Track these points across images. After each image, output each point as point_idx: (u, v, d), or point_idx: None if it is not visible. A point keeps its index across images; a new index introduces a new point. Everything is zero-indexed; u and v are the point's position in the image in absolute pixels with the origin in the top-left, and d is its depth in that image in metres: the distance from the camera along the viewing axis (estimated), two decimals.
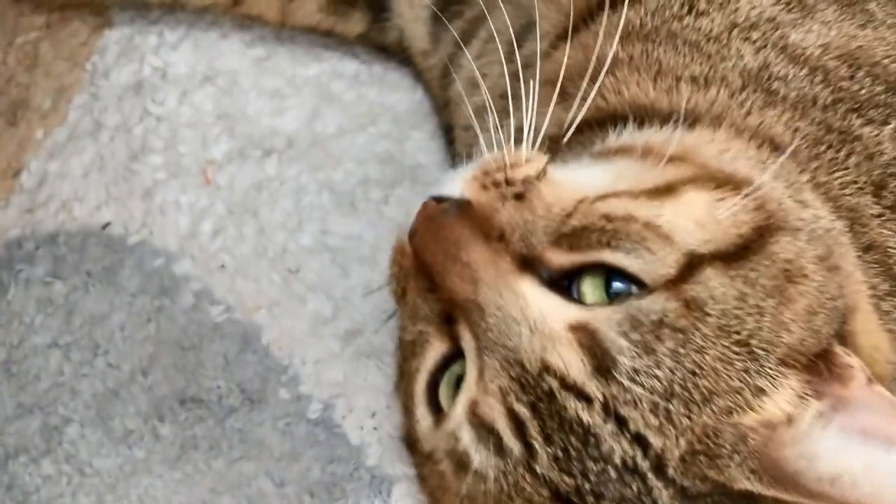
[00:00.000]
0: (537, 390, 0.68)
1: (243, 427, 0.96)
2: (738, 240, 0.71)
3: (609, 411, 0.67)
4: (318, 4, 1.07)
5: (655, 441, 0.66)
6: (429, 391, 0.73)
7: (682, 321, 0.67)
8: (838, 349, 0.69)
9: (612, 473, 0.67)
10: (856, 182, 0.79)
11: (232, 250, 1.03)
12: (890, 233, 0.79)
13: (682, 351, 0.67)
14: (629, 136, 0.83)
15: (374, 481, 0.95)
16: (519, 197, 0.72)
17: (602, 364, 0.67)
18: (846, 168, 0.79)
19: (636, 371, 0.66)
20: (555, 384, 0.67)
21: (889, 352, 0.75)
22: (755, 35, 0.83)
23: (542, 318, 0.68)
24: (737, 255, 0.70)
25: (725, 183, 0.74)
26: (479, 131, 0.94)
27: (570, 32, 0.86)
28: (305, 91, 1.09)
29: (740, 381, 0.68)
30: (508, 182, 0.73)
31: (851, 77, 0.81)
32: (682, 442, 0.66)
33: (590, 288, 0.69)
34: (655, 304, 0.67)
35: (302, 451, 0.96)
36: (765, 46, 0.82)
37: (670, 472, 0.67)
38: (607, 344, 0.67)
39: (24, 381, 0.98)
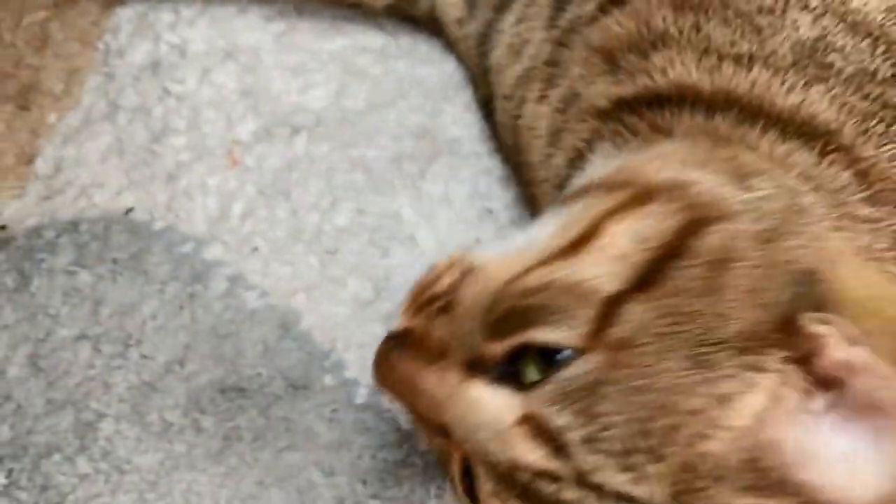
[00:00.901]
0: (518, 485, 0.68)
1: (288, 416, 0.91)
2: (659, 252, 0.69)
3: (582, 483, 0.66)
4: None
5: (638, 492, 0.64)
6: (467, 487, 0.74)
7: (614, 372, 0.65)
8: (803, 317, 0.65)
9: None
10: None
11: (264, 233, 0.99)
12: None
13: (626, 401, 0.65)
14: (590, 171, 0.82)
15: (427, 467, 0.91)
16: (444, 309, 0.74)
17: (556, 445, 0.66)
18: None
19: (589, 439, 0.65)
20: (527, 476, 0.67)
21: None
22: (814, 2, 0.78)
23: (496, 419, 0.68)
24: (659, 268, 0.68)
25: (658, 195, 0.72)
26: (528, 98, 0.91)
27: None
28: (331, 66, 1.05)
29: (700, 397, 0.64)
30: (434, 298, 0.75)
31: None
32: (665, 484, 0.64)
33: (529, 369, 0.68)
34: (585, 366, 0.66)
35: (351, 439, 0.91)
36: (824, 14, 0.78)
37: None
38: (551, 426, 0.66)
39: (54, 375, 0.92)
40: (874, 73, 0.75)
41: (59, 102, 1.02)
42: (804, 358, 0.64)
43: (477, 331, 0.71)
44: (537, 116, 0.90)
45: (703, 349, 0.65)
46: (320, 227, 1.00)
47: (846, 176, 0.73)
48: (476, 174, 1.02)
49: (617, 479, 0.65)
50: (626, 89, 0.80)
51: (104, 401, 0.92)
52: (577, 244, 0.71)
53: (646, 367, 0.65)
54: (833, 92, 0.75)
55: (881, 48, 0.76)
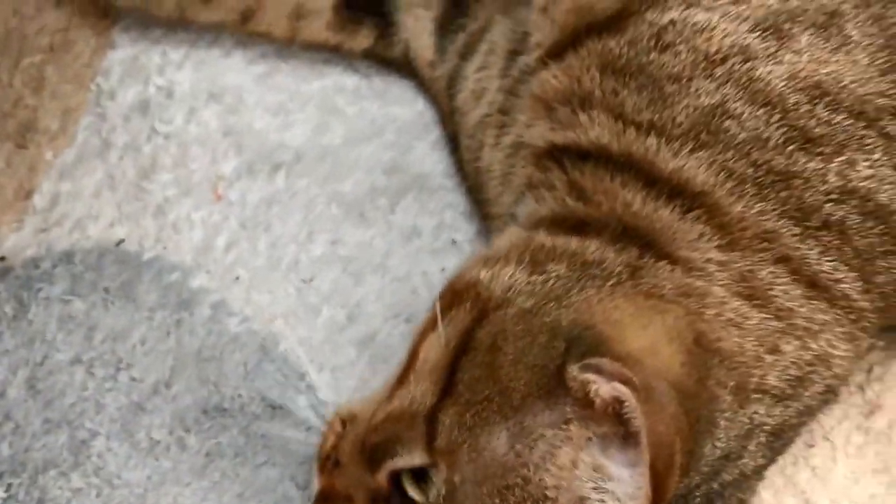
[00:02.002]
0: None
1: (266, 433, 0.99)
2: (455, 353, 0.80)
3: None
4: (325, 22, 1.11)
5: None
6: None
7: (457, 474, 0.77)
8: (570, 368, 0.74)
9: None
10: (777, 210, 0.83)
11: (246, 263, 1.06)
12: (808, 248, 0.83)
13: (478, 495, 0.76)
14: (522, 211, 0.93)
15: None
16: (336, 462, 0.85)
17: None
18: (770, 200, 0.83)
19: None
20: None
21: (668, 348, 0.78)
22: (720, 71, 0.84)
23: None
24: (456, 369, 0.79)
25: (459, 298, 0.83)
26: (486, 144, 1.00)
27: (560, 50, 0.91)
28: (310, 105, 1.13)
29: (525, 468, 0.75)
30: (328, 457, 0.86)
31: (811, 111, 0.83)
32: None
33: (411, 489, 0.80)
34: (439, 477, 0.77)
35: None
36: (727, 82, 0.84)
37: None
38: None
39: (50, 396, 1.00)
40: (767, 140, 0.82)
41: (55, 140, 1.10)
42: (585, 400, 0.73)
43: (363, 471, 0.82)
44: (492, 160, 0.99)
45: (509, 423, 0.76)
46: (298, 258, 1.07)
47: (703, 228, 0.81)
48: (443, 207, 1.10)
49: None
50: (558, 137, 0.88)
51: (96, 420, 1.00)
52: (407, 371, 0.82)
53: (474, 461, 0.76)
54: (715, 158, 0.82)
55: (777, 116, 0.82)
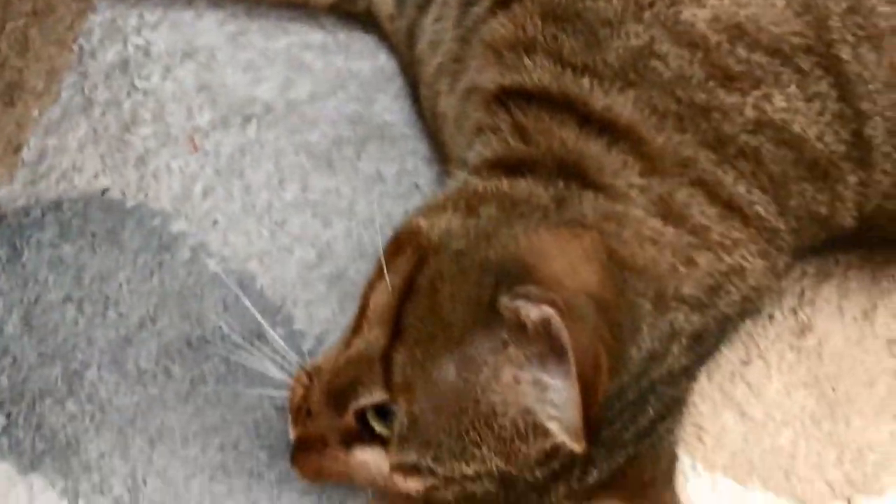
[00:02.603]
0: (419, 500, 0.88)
1: (245, 362, 1.04)
2: (400, 298, 0.87)
3: (452, 482, 0.85)
4: None
5: (487, 468, 0.84)
6: None
7: (415, 407, 0.85)
8: (501, 298, 0.81)
9: (495, 490, 0.86)
10: (696, 140, 0.90)
11: (222, 209, 1.13)
12: (723, 173, 0.90)
13: (437, 423, 0.84)
14: (473, 156, 0.99)
15: None
16: (308, 412, 0.92)
17: (420, 471, 0.85)
18: (690, 131, 0.90)
19: (436, 458, 0.85)
20: (419, 496, 0.88)
21: (584, 264, 0.85)
22: (647, 14, 0.90)
23: (379, 473, 0.89)
24: (402, 312, 0.86)
25: (402, 247, 0.90)
26: (441, 91, 1.07)
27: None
28: (278, 62, 1.19)
29: (475, 390, 0.83)
30: (300, 408, 0.93)
31: (731, 50, 0.89)
32: (497, 455, 0.84)
33: (376, 424, 0.88)
34: (400, 413, 0.85)
35: None
36: (653, 24, 0.90)
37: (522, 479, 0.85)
38: (410, 464, 0.86)
39: (44, 333, 1.07)
40: (689, 78, 0.89)
41: (41, 98, 1.16)
42: (518, 325, 0.80)
43: (332, 415, 0.90)
44: (447, 107, 1.06)
45: (454, 354, 0.83)
46: (270, 203, 1.13)
47: (627, 158, 0.89)
48: (405, 154, 1.16)
49: (470, 468, 0.85)
50: (506, 80, 0.95)
51: (88, 353, 1.06)
52: (360, 320, 0.90)
53: (429, 392, 0.84)
54: (641, 95, 0.89)
55: (700, 55, 0.89)
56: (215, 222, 1.12)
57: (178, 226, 1.12)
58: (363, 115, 1.18)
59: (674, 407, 0.92)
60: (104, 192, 1.13)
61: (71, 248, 1.10)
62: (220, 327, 1.07)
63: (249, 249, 1.11)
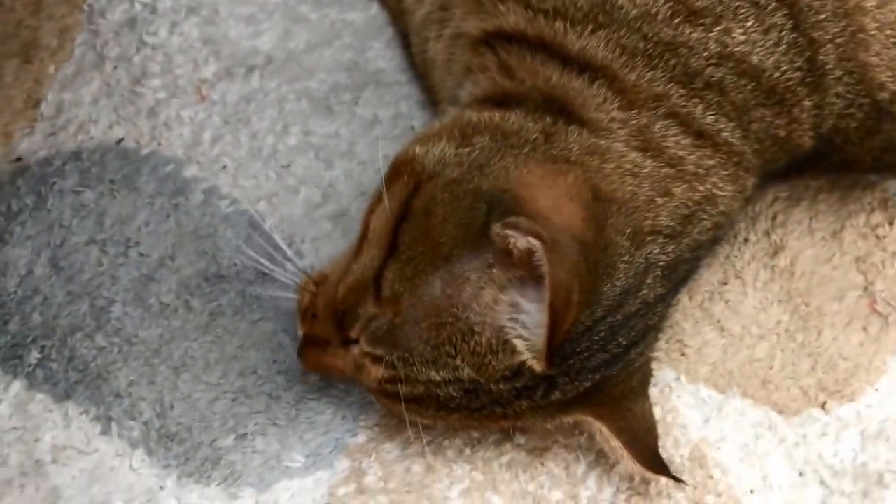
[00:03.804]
0: (389, 394, 0.96)
1: (260, 295, 1.11)
2: (396, 220, 0.92)
3: (418, 381, 0.92)
4: None
5: (455, 376, 0.91)
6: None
7: (398, 318, 0.91)
8: (494, 226, 0.87)
9: (459, 396, 0.93)
10: (665, 76, 0.95)
11: (231, 153, 1.18)
12: (693, 105, 0.95)
13: (415, 332, 0.91)
14: (463, 94, 1.03)
15: None
16: (315, 315, 0.99)
17: (387, 363, 0.92)
18: (659, 68, 0.95)
19: (403, 359, 0.92)
20: (388, 387, 0.94)
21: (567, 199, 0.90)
22: None
23: (364, 367, 0.95)
24: (397, 233, 0.92)
25: (398, 173, 0.95)
26: (430, 38, 1.13)
27: None
28: (276, 14, 1.25)
29: (456, 307, 0.89)
30: (307, 310, 1.00)
31: None
32: (469, 366, 0.90)
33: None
34: (378, 322, 0.92)
35: None
36: None
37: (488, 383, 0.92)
38: (377, 355, 0.93)
39: (70, 273, 1.12)
40: (655, 15, 0.94)
41: (56, 56, 1.21)
42: (506, 251, 0.86)
43: (335, 326, 0.97)
44: (436, 52, 1.11)
45: (441, 271, 0.89)
46: (275, 147, 1.19)
47: (606, 93, 0.94)
48: (399, 99, 1.22)
49: (438, 375, 0.92)
50: (487, 25, 1.00)
51: (112, 290, 1.12)
52: (361, 241, 0.96)
53: (414, 305, 0.91)
54: (611, 36, 0.94)
55: None
56: (225, 167, 1.18)
57: (190, 171, 1.17)
58: (358, 63, 1.23)
59: (647, 333, 0.98)
60: (119, 141, 1.18)
61: (92, 194, 1.15)
62: (235, 264, 1.13)
63: (258, 191, 1.16)
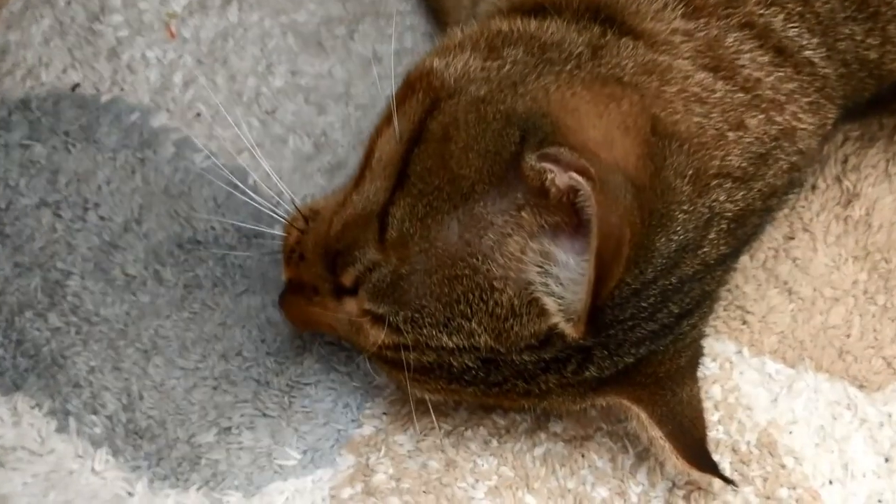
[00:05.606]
0: (389, 360, 0.86)
1: (244, 263, 1.01)
2: (409, 144, 0.81)
3: (428, 347, 0.82)
4: None
5: (471, 343, 0.80)
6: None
7: (405, 266, 0.80)
8: (528, 157, 0.75)
9: (475, 367, 0.83)
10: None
11: (206, 99, 1.07)
12: (772, 14, 0.84)
13: (425, 284, 0.79)
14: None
15: None
16: (301, 257, 0.89)
17: (390, 325, 0.82)
18: None
19: (410, 320, 0.80)
20: (389, 353, 0.84)
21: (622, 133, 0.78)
22: None
23: (362, 328, 0.85)
24: (409, 160, 0.80)
25: (412, 89, 0.84)
26: None
27: None
28: None
29: (474, 258, 0.78)
30: (293, 251, 0.90)
31: None
32: (486, 332, 0.79)
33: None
34: (382, 271, 0.80)
35: None
36: None
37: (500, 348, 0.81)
38: (378, 314, 0.82)
39: (18, 241, 1.01)
40: None
41: None
42: (540, 189, 0.74)
43: (326, 270, 0.86)
44: None
45: (458, 211, 0.77)
46: (258, 91, 1.08)
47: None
48: (402, 31, 1.11)
49: (451, 340, 0.80)
50: None
51: (69, 261, 1.01)
52: (363, 171, 0.84)
53: (425, 251, 0.78)
54: None
55: None
56: (199, 115, 1.07)
57: (158, 120, 1.06)
58: None
59: (703, 301, 0.86)
60: (75, 87, 1.07)
61: (43, 149, 1.04)
62: (213, 227, 1.02)
63: (239, 142, 1.05)
